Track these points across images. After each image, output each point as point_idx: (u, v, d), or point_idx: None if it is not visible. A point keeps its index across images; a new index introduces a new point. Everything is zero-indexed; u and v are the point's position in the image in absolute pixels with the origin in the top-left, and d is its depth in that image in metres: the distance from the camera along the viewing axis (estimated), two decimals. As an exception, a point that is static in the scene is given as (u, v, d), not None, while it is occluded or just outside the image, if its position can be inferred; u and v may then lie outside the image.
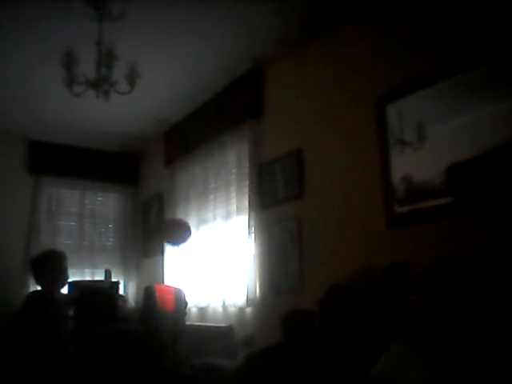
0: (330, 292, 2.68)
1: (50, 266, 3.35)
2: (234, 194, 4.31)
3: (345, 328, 2.50)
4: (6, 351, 3.06)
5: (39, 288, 3.42)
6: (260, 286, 3.85)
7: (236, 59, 4.05)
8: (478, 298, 2.07)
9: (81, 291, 4.27)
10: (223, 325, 4.09)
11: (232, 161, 4.42)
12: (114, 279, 5.15)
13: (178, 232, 4.27)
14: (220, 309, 4.29)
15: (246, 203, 4.02)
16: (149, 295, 3.92)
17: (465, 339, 1.88)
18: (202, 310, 4.52)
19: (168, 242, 4.54)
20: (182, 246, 4.40)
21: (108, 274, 5.00)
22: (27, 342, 3.02)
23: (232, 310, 4.14)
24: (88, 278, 5.49)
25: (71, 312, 3.62)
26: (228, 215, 4.33)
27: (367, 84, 3.11)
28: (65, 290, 3.82)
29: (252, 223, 3.94)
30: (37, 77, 4.26)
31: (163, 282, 4.95)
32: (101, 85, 3.18)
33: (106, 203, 6.14)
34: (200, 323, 4.37)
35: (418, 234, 2.69)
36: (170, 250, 5.15)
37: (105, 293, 4.54)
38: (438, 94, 2.68)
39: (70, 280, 4.64)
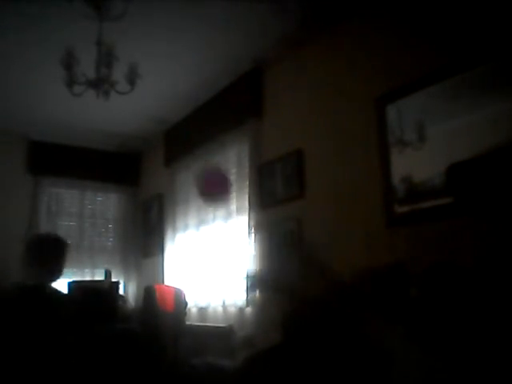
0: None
1: (55, 252, 2.72)
2: (234, 194, 4.31)
3: (345, 328, 2.49)
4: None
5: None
6: (260, 286, 3.85)
7: (236, 59, 4.05)
8: (477, 297, 2.07)
9: (80, 291, 4.26)
10: (223, 325, 4.09)
11: (232, 161, 4.42)
12: (114, 279, 5.14)
13: (218, 182, 3.60)
14: (220, 309, 4.29)
15: (246, 203, 4.03)
16: (149, 295, 3.92)
17: (465, 339, 1.88)
18: (202, 310, 4.52)
19: (206, 196, 3.77)
20: (221, 202, 3.83)
21: (108, 274, 4.99)
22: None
23: (232, 310, 4.14)
24: (88, 278, 5.48)
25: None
26: (228, 215, 4.33)
27: (367, 84, 3.11)
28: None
29: (252, 223, 3.94)
30: (37, 77, 4.26)
31: (163, 282, 4.96)
32: (101, 85, 3.19)
33: (106, 203, 6.14)
34: (200, 323, 4.37)
35: (418, 233, 2.69)
36: (169, 250, 5.16)
37: (105, 293, 4.53)
38: (438, 94, 2.67)
39: (69, 280, 4.68)
